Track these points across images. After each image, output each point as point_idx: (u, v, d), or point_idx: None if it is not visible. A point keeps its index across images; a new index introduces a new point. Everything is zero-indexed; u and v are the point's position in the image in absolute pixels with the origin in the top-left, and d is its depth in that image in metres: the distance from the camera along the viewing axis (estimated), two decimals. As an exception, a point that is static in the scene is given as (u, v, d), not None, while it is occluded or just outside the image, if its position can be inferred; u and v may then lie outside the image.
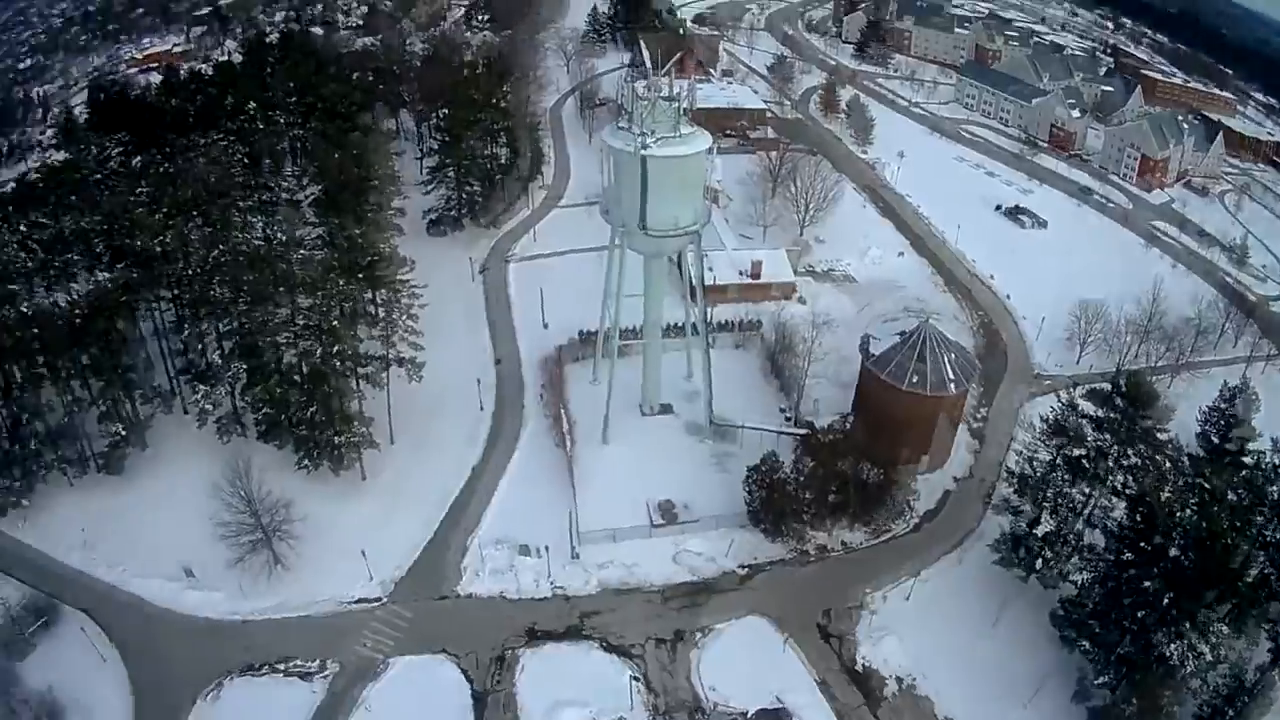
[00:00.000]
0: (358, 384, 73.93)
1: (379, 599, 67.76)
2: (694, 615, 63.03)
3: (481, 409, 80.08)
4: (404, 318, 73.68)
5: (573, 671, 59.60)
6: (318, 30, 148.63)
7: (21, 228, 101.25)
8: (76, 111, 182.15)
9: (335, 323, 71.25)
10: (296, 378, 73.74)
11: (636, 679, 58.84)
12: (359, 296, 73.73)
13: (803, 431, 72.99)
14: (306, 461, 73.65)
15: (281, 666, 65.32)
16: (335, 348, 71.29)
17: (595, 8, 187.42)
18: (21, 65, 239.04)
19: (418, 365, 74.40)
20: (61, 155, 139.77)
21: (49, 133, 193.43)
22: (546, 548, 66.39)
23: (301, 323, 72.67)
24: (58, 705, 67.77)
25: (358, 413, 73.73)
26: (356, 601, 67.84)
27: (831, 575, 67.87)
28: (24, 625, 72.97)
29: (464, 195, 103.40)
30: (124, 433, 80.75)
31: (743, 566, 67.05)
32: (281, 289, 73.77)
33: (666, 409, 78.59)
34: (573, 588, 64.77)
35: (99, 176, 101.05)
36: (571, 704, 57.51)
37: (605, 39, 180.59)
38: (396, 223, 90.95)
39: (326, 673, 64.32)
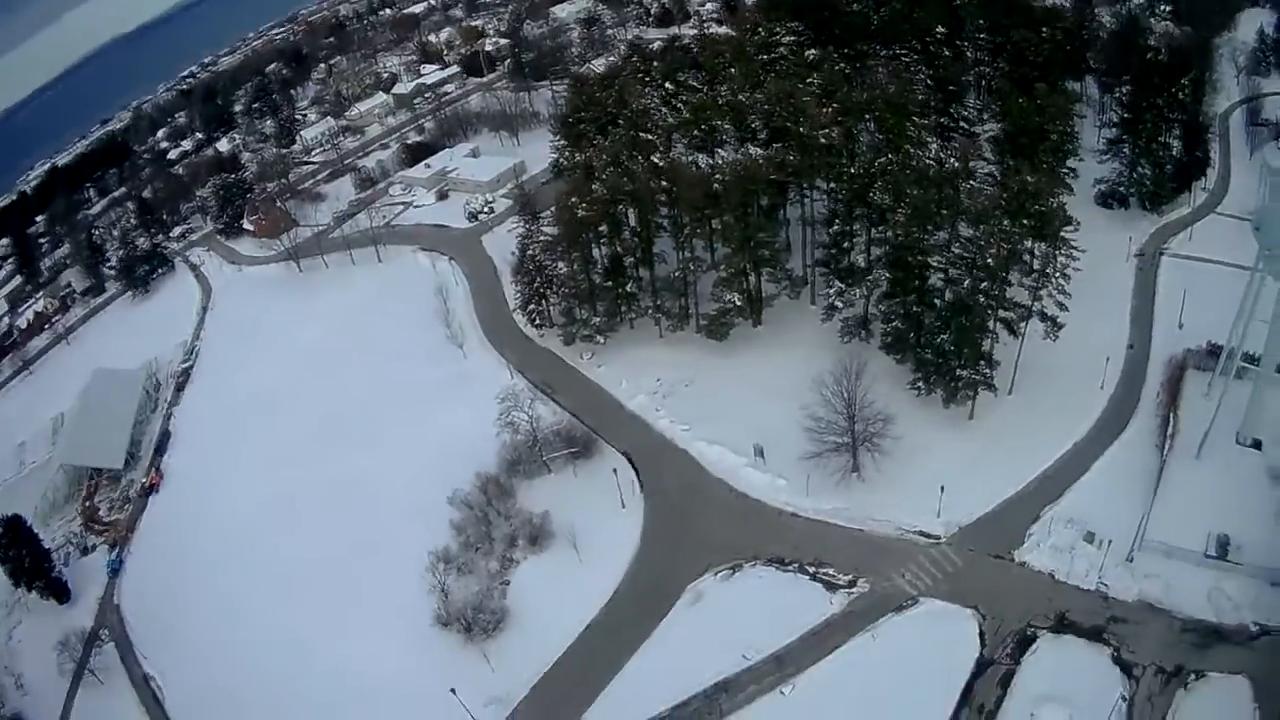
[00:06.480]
0: (995, 326, 72.27)
1: (938, 537, 66.69)
2: (1199, 656, 56.97)
3: (1102, 388, 76.64)
4: (1058, 275, 70.97)
5: (1074, 669, 57.14)
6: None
7: (667, 85, 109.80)
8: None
9: (990, 260, 69.27)
10: (937, 301, 73.64)
11: (1125, 699, 55.38)
12: (1020, 241, 71.10)
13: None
14: (921, 384, 73.94)
15: (812, 569, 66.89)
16: (984, 284, 69.78)
17: (1261, 27, 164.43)
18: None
19: (1058, 325, 71.95)
20: (723, 29, 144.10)
21: (709, 5, 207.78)
22: (1109, 542, 62.95)
23: (957, 251, 72.19)
24: (543, 531, 73.67)
25: (987, 354, 72.27)
26: (916, 532, 67.28)
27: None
28: (549, 449, 79.56)
29: (1135, 175, 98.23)
30: (738, 303, 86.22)
31: (1258, 625, 58.38)
32: (945, 212, 73.60)
33: (1257, 444, 69.88)
34: (1115, 589, 61.27)
35: (764, 58, 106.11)
36: (1056, 700, 55.38)
37: (1272, 61, 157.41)
38: (1069, 182, 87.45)
39: (854, 591, 64.73)
